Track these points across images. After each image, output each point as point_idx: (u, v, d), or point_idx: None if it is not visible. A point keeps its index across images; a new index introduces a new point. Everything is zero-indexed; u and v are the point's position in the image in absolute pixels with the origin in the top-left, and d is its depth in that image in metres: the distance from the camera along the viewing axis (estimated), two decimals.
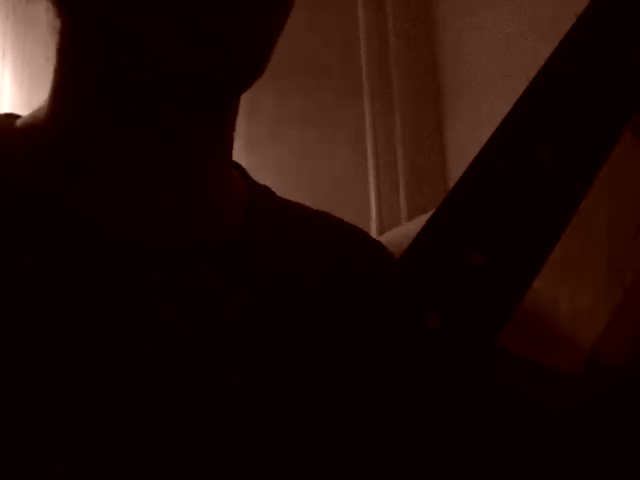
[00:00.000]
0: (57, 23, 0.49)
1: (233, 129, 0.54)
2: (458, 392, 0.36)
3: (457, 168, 1.88)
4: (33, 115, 0.53)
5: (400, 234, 1.65)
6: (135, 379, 0.37)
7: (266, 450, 0.36)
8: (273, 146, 2.03)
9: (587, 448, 0.43)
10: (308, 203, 0.64)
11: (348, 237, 0.61)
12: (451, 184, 0.40)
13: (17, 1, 2.05)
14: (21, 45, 2.04)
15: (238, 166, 0.59)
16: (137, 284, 0.39)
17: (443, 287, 0.37)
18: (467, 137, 1.84)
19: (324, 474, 0.35)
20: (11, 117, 0.54)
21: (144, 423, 0.37)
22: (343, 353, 0.37)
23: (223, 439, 0.37)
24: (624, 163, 0.45)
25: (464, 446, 0.39)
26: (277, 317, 0.40)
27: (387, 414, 0.36)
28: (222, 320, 0.39)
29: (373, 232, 1.91)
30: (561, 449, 0.42)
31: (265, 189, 0.60)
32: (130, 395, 0.37)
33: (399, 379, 0.36)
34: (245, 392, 0.38)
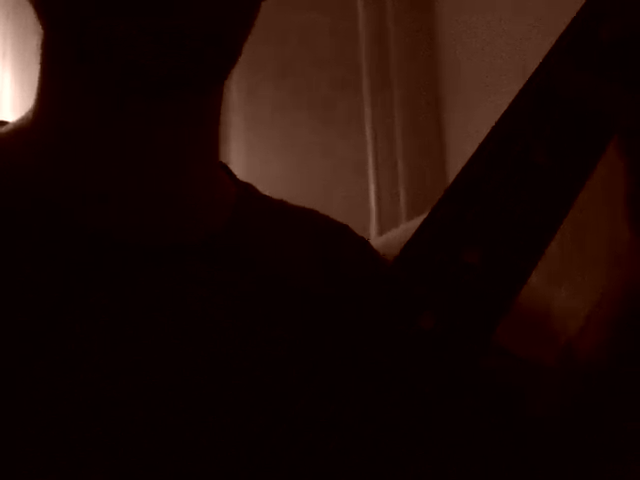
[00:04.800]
0: (39, 25, 0.51)
1: (216, 128, 0.56)
2: (454, 391, 0.36)
3: (457, 168, 1.87)
4: (22, 118, 0.54)
5: (400, 234, 1.65)
6: (129, 373, 0.38)
7: (263, 448, 0.36)
8: (273, 147, 2.03)
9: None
10: (307, 203, 0.64)
11: (334, 234, 0.62)
12: None
13: (17, 2, 2.06)
14: (21, 46, 2.04)
15: (225, 166, 0.60)
16: (129, 282, 0.40)
17: (439, 286, 0.37)
18: (467, 137, 1.84)
19: (324, 474, 0.35)
20: None
21: (139, 416, 0.37)
22: (337, 353, 0.37)
23: (215, 433, 0.38)
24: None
25: (462, 445, 0.39)
26: (262, 314, 0.41)
27: (384, 414, 0.36)
28: (209, 317, 0.40)
29: (373, 232, 1.91)
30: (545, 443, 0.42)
31: (250, 187, 0.61)
32: (125, 388, 0.37)
33: (395, 379, 0.36)
34: (236, 388, 0.39)
